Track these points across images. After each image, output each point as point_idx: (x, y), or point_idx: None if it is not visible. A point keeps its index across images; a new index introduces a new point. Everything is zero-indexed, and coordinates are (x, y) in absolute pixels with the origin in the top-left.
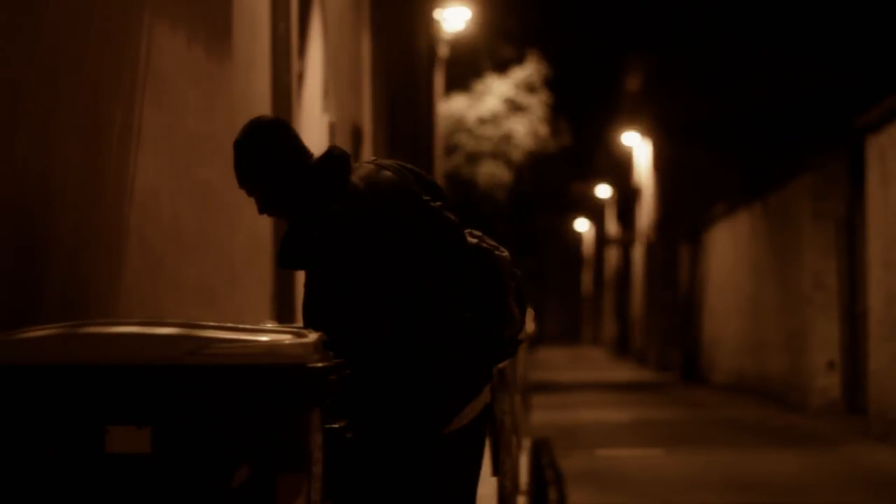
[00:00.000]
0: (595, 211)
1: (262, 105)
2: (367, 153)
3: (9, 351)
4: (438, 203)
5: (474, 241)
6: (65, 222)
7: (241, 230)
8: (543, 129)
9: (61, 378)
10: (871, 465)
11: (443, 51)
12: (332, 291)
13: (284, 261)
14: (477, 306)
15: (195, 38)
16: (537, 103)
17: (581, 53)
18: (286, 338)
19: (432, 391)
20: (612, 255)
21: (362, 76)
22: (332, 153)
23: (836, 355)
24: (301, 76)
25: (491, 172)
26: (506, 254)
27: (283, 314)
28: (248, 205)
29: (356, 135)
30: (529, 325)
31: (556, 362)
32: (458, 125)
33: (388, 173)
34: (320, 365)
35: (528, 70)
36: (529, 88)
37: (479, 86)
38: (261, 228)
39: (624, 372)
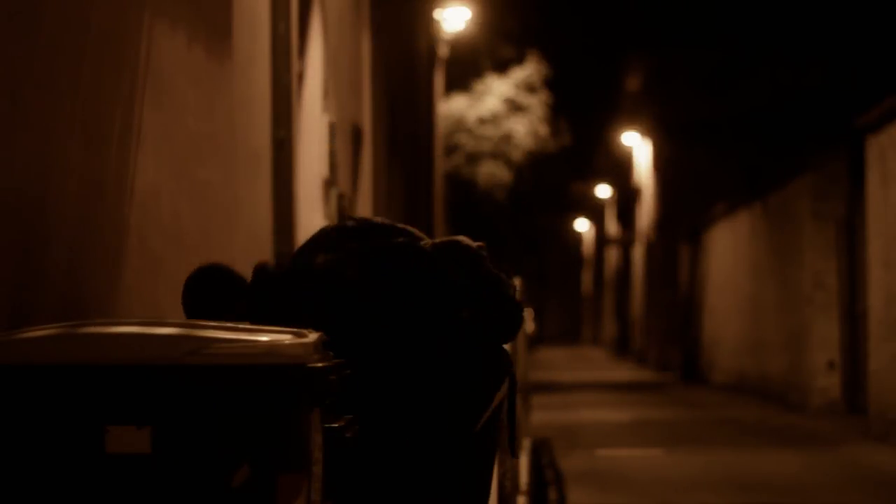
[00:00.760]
0: (595, 211)
1: (262, 105)
2: (367, 153)
3: (9, 351)
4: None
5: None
6: (65, 222)
7: (240, 230)
8: (543, 129)
9: (61, 378)
10: (871, 465)
11: (443, 51)
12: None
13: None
14: (469, 302)
15: (195, 38)
16: (537, 103)
17: (581, 53)
18: (286, 338)
19: (465, 390)
20: (612, 255)
21: (362, 76)
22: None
23: (836, 355)
24: (301, 76)
25: (491, 172)
26: (460, 240)
27: None
28: (248, 204)
29: (356, 135)
30: (529, 325)
31: (556, 362)
32: (458, 125)
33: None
34: (320, 365)
35: (528, 70)
36: (529, 88)
37: (479, 86)
38: (261, 228)
39: (624, 372)
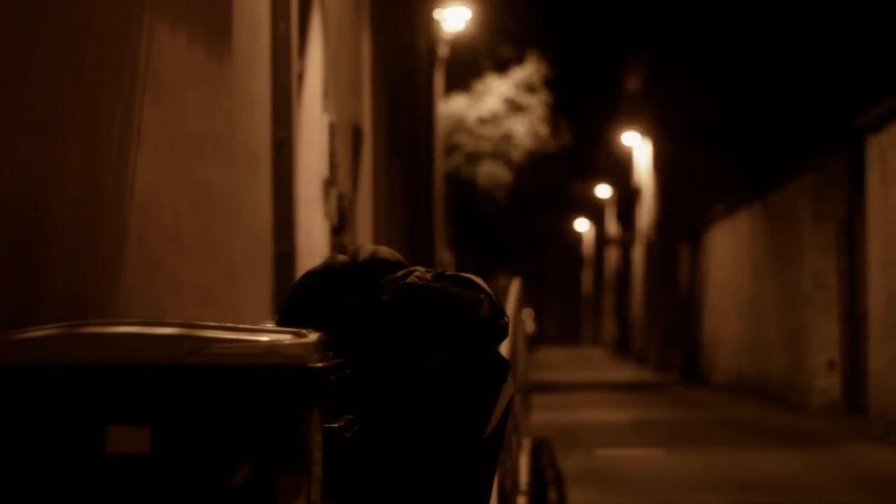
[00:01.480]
0: (595, 211)
1: (262, 105)
2: (367, 153)
3: (9, 351)
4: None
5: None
6: (65, 222)
7: (240, 230)
8: (543, 129)
9: (61, 378)
10: (871, 465)
11: (443, 51)
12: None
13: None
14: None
15: (195, 38)
16: (537, 103)
17: (581, 53)
18: (286, 338)
19: (474, 400)
20: (612, 255)
21: (362, 76)
22: None
23: (836, 355)
24: (301, 76)
25: (491, 172)
26: (416, 273)
27: None
28: (248, 204)
29: (356, 135)
30: (529, 326)
31: (556, 362)
32: (458, 125)
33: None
34: (320, 365)
35: (528, 70)
36: (529, 88)
37: (479, 86)
38: (261, 228)
39: (624, 372)
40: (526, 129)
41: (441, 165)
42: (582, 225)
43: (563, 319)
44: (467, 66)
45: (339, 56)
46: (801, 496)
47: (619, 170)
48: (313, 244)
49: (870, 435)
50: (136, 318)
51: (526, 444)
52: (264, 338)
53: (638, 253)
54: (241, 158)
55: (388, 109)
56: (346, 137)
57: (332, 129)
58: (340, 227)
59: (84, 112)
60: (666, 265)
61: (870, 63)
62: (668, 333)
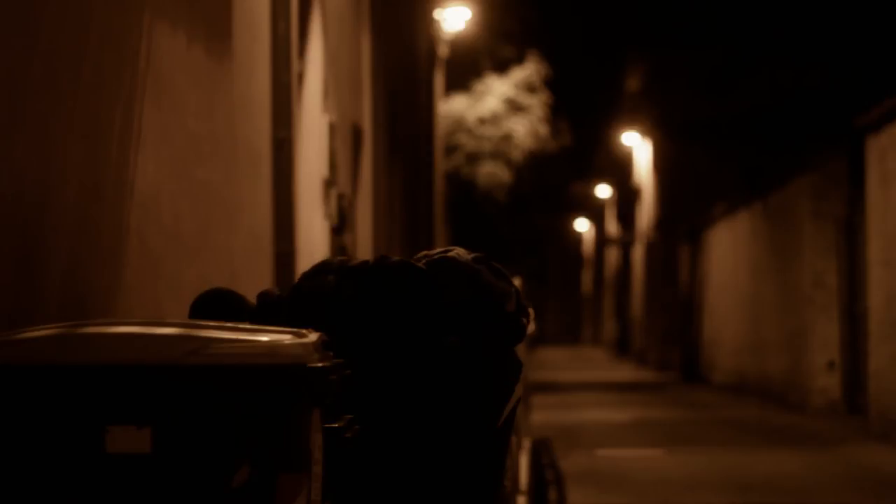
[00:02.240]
0: (595, 211)
1: (262, 105)
2: (367, 153)
3: (9, 351)
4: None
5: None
6: (65, 223)
7: (240, 230)
8: (543, 129)
9: (61, 378)
10: (871, 465)
11: (443, 51)
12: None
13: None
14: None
15: (195, 38)
16: (537, 103)
17: (581, 53)
18: (286, 338)
19: (488, 390)
20: (612, 255)
21: (362, 76)
22: None
23: (836, 355)
24: (301, 76)
25: (491, 172)
26: (453, 253)
27: None
28: (248, 204)
29: (356, 135)
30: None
31: (557, 362)
32: (458, 125)
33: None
34: (320, 365)
35: (528, 70)
36: (529, 88)
37: (479, 86)
38: (261, 228)
39: (624, 372)
40: (526, 129)
41: (441, 165)
42: (582, 225)
43: (563, 319)
44: (467, 66)
45: (339, 56)
46: (801, 496)
47: (619, 170)
48: (313, 244)
49: (870, 435)
50: (136, 318)
51: (526, 444)
52: (264, 338)
53: (638, 253)
54: (241, 158)
55: (388, 109)
56: (346, 137)
57: (332, 129)
58: (340, 227)
59: (84, 112)
60: (666, 265)
61: (870, 63)
62: (668, 333)
